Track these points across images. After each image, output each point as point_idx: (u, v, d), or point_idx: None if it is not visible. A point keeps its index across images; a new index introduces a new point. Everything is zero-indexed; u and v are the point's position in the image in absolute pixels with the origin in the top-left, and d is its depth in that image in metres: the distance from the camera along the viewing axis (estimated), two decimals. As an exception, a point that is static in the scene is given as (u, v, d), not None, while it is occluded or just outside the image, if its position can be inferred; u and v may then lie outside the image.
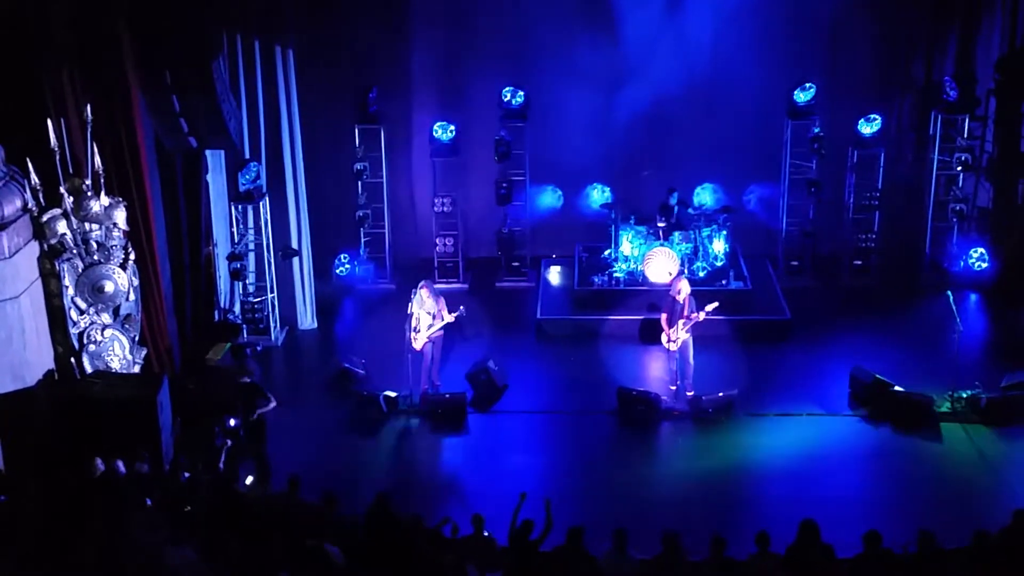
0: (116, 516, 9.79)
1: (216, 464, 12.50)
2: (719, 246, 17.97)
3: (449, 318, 15.14)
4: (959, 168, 18.43)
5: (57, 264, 12.29)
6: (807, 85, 18.32)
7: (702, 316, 14.91)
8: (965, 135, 18.40)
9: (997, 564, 9.84)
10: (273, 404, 13.43)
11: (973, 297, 18.17)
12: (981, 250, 18.46)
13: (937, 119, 18.48)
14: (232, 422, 13.74)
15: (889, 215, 18.99)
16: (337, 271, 19.11)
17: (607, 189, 19.14)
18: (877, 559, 9.79)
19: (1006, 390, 14.72)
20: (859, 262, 18.97)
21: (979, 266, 18.47)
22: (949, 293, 15.22)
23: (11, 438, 11.78)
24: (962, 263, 18.56)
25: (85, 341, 12.66)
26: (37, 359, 12.17)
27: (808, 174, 18.74)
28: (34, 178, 12.07)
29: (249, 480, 12.87)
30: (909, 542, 10.02)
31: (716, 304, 15.00)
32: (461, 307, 15.33)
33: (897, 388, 14.75)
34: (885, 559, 9.81)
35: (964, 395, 14.76)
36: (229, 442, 12.98)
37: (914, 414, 14.52)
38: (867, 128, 18.36)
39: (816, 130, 18.33)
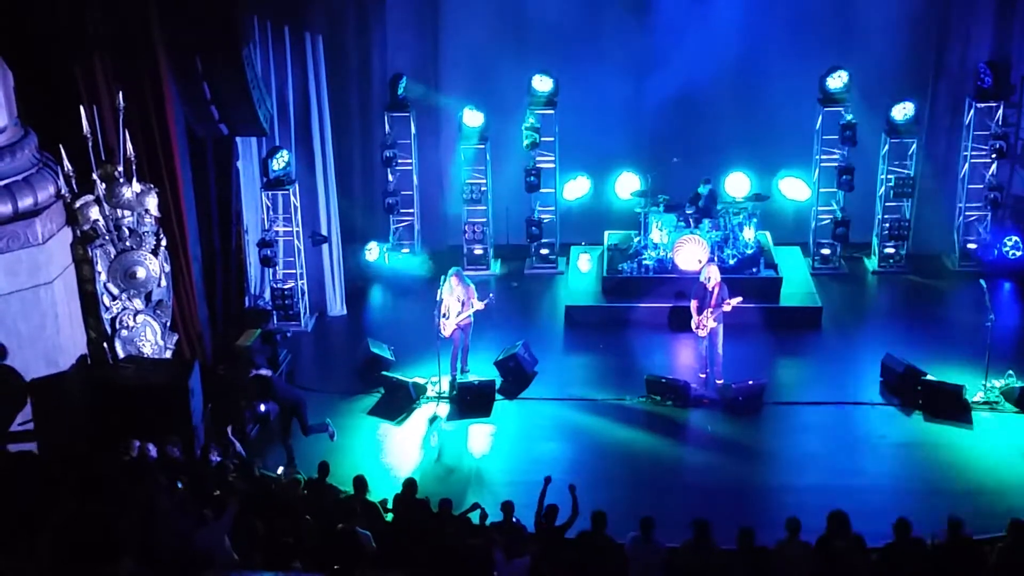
0: (148, 499, 9.88)
1: (243, 448, 12.58)
2: (749, 234, 17.87)
3: (479, 305, 15.15)
4: (993, 155, 18.23)
5: (90, 250, 12.37)
6: (839, 71, 18.16)
7: (728, 307, 14.84)
8: (999, 122, 18.19)
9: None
10: (264, 408, 13.63)
11: (1007, 285, 17.97)
12: (1015, 238, 18.26)
13: (971, 106, 18.28)
14: (262, 408, 13.87)
15: (922, 203, 18.82)
16: (366, 258, 19.14)
17: (637, 176, 19.05)
18: (907, 548, 9.72)
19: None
20: (891, 250, 18.82)
21: (1013, 254, 18.28)
22: (982, 281, 15.08)
23: (45, 422, 11.90)
24: (996, 251, 18.38)
25: (117, 326, 12.76)
26: (70, 344, 12.28)
27: (840, 161, 18.60)
28: (67, 165, 12.16)
29: (281, 470, 12.97)
30: (935, 533, 9.95)
31: (740, 299, 14.94)
32: (491, 294, 15.36)
33: (929, 376, 14.63)
34: (915, 548, 9.74)
35: (999, 383, 14.63)
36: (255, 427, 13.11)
37: (946, 403, 14.40)
38: (900, 115, 18.20)
39: (848, 117, 18.18)
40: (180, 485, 10.54)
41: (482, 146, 18.96)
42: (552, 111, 18.80)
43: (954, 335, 16.12)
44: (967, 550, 9.79)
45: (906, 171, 18.52)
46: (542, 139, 18.76)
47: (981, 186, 18.58)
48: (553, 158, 19.18)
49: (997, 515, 10.96)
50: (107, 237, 12.52)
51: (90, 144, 12.28)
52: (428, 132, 19.47)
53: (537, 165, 18.97)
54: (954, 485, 12.92)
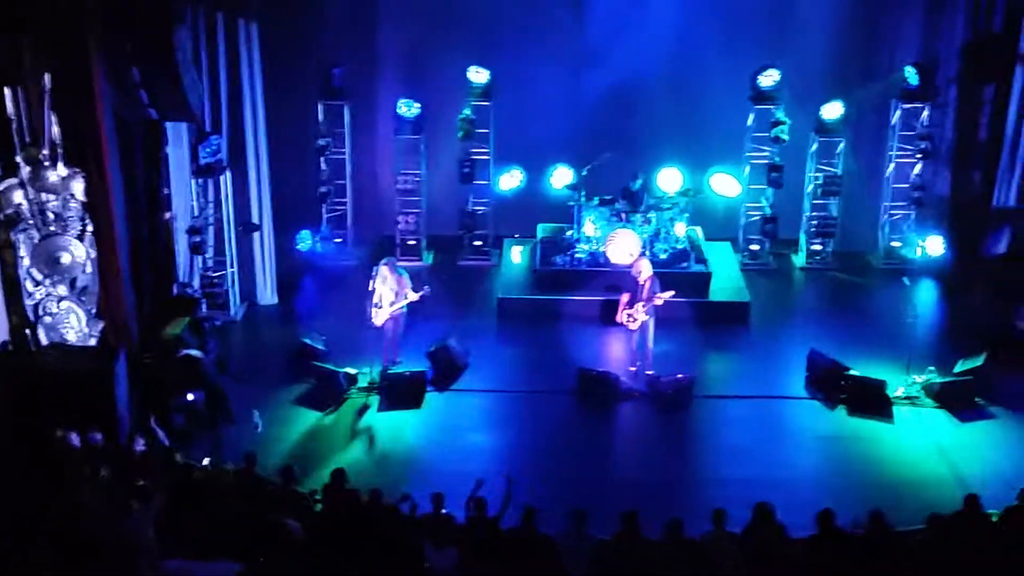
0: (72, 489, 9.73)
1: (168, 438, 12.42)
2: (680, 229, 18.04)
3: (413, 296, 15.11)
4: (918, 155, 18.62)
5: (12, 235, 12.11)
6: (770, 70, 18.40)
7: (660, 301, 14.98)
8: (926, 122, 18.57)
9: (950, 547, 9.99)
10: (191, 397, 13.43)
11: (928, 283, 18.34)
12: (938, 236, 18.64)
13: (898, 106, 18.65)
14: (190, 396, 13.69)
15: (848, 201, 19.16)
16: (298, 247, 18.98)
17: (571, 169, 19.11)
18: (830, 538, 9.91)
19: (960, 374, 14.92)
20: (818, 246, 19.14)
21: (935, 252, 18.65)
22: (905, 279, 15.41)
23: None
24: (919, 249, 18.75)
25: (40, 313, 12.50)
26: (-9, 331, 12.03)
27: (770, 159, 18.85)
28: (-11, 147, 11.90)
29: (207, 460, 12.81)
30: (858, 520, 10.16)
31: (672, 292, 15.09)
32: (426, 286, 15.33)
33: (853, 372, 14.91)
34: (838, 538, 9.94)
35: (920, 379, 14.95)
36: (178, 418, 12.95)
37: (869, 397, 14.68)
38: (828, 114, 18.49)
39: (779, 115, 18.44)
40: (104, 474, 10.38)
41: (417, 137, 18.89)
42: (488, 103, 18.78)
43: (877, 331, 16.40)
44: (888, 541, 10.01)
45: (834, 169, 18.84)
46: (478, 131, 18.75)
47: (906, 185, 18.98)
48: (488, 150, 19.17)
49: (916, 508, 11.22)
50: (31, 221, 12.25)
51: (14, 126, 12.00)
52: (363, 122, 19.35)
53: (472, 157, 18.95)
54: (875, 478, 13.15)
